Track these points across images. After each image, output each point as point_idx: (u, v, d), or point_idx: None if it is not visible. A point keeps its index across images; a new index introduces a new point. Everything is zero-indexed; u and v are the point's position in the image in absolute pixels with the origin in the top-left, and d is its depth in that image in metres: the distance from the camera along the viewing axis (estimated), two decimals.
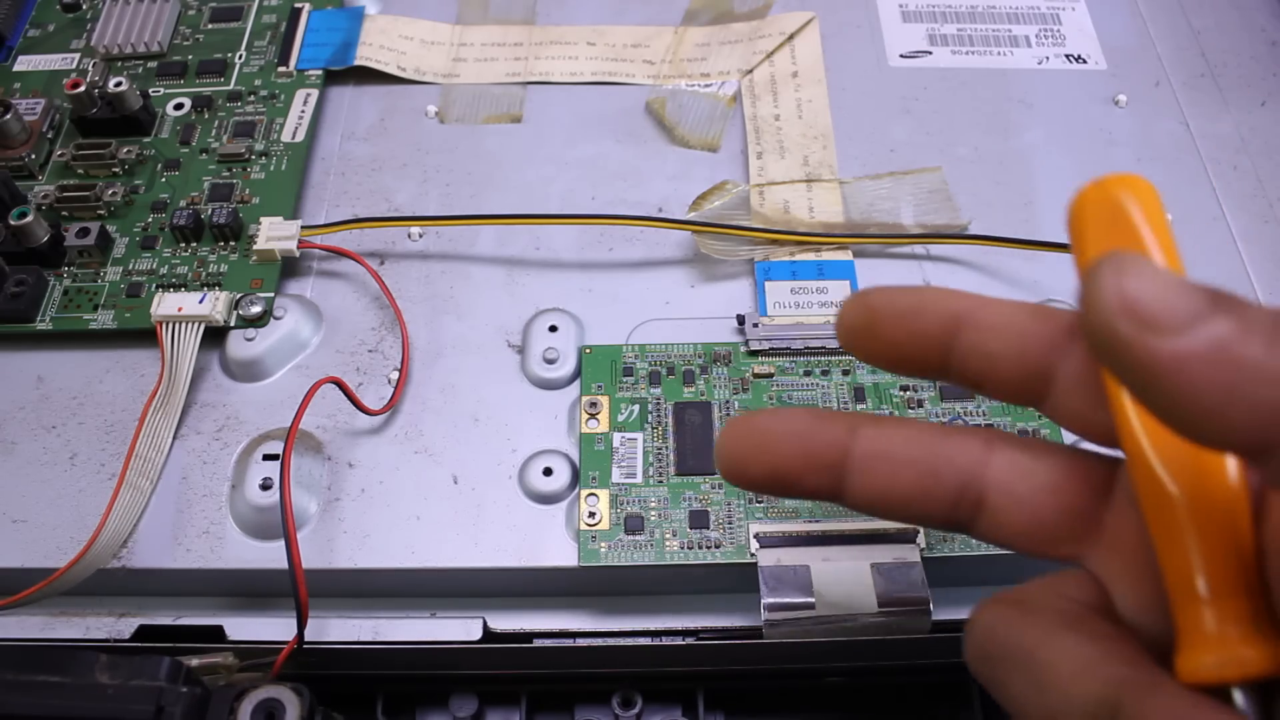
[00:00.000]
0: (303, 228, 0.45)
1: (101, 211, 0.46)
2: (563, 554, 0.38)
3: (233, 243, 0.45)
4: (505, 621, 0.38)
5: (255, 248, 0.44)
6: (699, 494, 0.39)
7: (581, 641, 0.37)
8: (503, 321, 0.44)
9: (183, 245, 0.45)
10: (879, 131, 0.50)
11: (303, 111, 0.50)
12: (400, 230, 0.47)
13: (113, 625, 0.37)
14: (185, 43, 0.53)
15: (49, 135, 0.49)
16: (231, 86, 0.51)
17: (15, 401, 0.42)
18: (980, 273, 0.45)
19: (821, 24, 0.54)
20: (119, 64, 0.53)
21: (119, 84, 0.48)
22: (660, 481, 0.39)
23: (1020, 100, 0.52)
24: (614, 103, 0.52)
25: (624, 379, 0.41)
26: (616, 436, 0.40)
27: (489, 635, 0.37)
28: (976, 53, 0.54)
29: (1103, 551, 0.25)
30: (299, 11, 0.54)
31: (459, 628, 0.37)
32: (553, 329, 0.43)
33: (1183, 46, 0.54)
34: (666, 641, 0.37)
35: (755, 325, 0.43)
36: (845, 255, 0.46)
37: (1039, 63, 0.53)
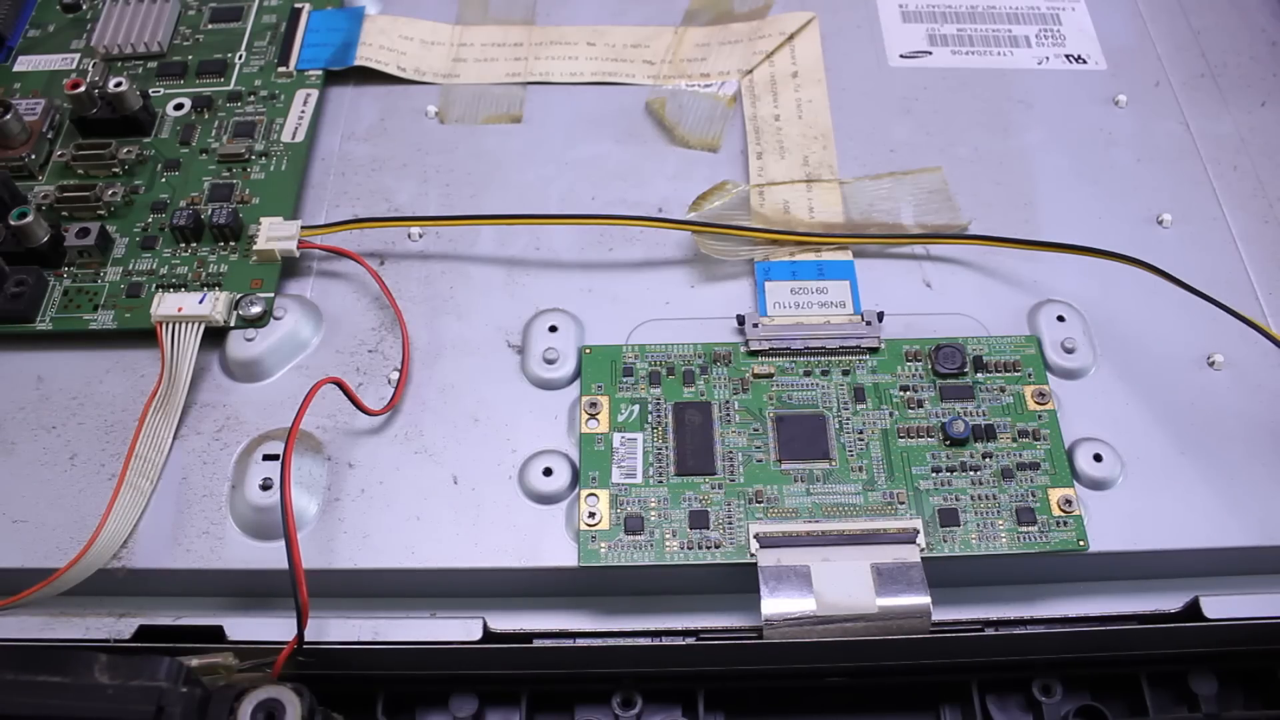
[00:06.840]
0: (303, 228, 0.45)
1: (101, 211, 0.46)
2: (563, 554, 0.38)
3: (233, 243, 0.45)
4: (505, 621, 0.38)
5: (255, 248, 0.44)
6: (699, 494, 0.39)
7: (581, 641, 0.37)
8: (503, 321, 0.44)
9: (183, 245, 0.45)
10: (879, 131, 0.50)
11: (303, 112, 0.50)
12: (400, 230, 0.47)
13: (113, 625, 0.37)
14: (185, 43, 0.53)
15: (49, 135, 0.49)
16: (231, 87, 0.51)
17: (15, 401, 0.42)
18: (980, 273, 0.45)
19: (821, 24, 0.54)
20: (119, 64, 0.53)
21: (119, 84, 0.48)
22: (660, 482, 0.39)
23: (1020, 100, 0.52)
24: (614, 103, 0.52)
25: (624, 379, 0.41)
26: (616, 437, 0.40)
27: (489, 635, 0.37)
28: (976, 53, 0.54)
29: None
30: (299, 12, 0.54)
31: (459, 628, 0.37)
32: (553, 329, 0.43)
33: (1183, 46, 0.54)
34: (666, 641, 0.37)
35: (755, 325, 0.43)
36: (845, 255, 0.46)
37: (1039, 63, 0.53)
